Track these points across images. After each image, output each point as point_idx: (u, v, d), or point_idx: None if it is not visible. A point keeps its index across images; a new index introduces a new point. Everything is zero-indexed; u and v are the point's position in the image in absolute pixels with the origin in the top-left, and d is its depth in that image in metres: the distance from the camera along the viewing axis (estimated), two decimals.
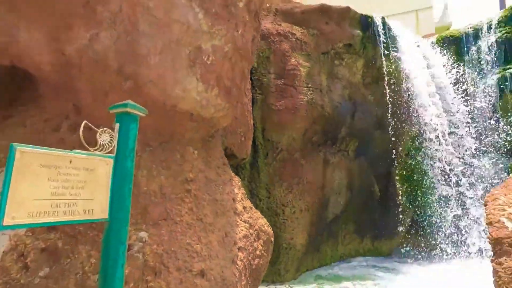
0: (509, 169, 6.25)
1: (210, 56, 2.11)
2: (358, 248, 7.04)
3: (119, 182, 1.47)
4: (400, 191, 7.12)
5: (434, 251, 6.14)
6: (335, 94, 6.46)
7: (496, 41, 7.95)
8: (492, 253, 1.68)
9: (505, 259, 1.57)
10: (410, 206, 6.85)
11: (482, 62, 7.90)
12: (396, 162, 7.38)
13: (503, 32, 7.85)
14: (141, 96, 1.92)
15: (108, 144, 1.49)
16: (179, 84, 2.07)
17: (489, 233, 1.72)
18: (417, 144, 7.31)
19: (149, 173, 1.99)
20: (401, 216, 6.92)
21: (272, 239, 2.83)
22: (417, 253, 6.47)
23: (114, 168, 1.47)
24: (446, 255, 5.81)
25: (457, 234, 5.85)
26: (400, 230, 6.67)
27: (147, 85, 1.96)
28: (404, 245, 6.79)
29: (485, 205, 1.90)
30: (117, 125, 1.53)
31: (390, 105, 7.23)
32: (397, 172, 7.31)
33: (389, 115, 7.15)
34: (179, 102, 2.11)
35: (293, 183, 5.84)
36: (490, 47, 7.97)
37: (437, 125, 6.65)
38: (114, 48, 1.82)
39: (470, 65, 7.99)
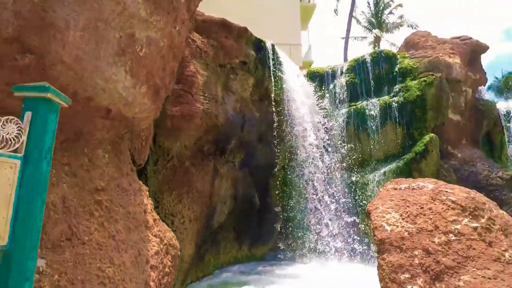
0: (353, 183, 8.10)
1: (143, 48, 1.81)
2: (237, 255, 7.39)
3: (28, 193, 1.04)
4: (276, 201, 7.99)
5: (302, 254, 7.19)
6: (228, 106, 6.72)
7: (345, 82, 10.23)
8: (377, 252, 2.18)
9: (387, 255, 2.08)
10: (284, 215, 7.79)
11: (336, 98, 9.99)
12: (273, 174, 8.28)
13: (349, 77, 10.21)
14: (44, 79, 1.47)
15: (14, 139, 1.04)
16: (102, 73, 1.65)
17: (375, 235, 2.23)
18: (292, 159, 8.43)
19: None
20: (274, 224, 7.77)
21: (179, 253, 2.62)
22: (287, 256, 7.39)
23: (21, 174, 1.04)
24: (310, 258, 6.92)
25: (321, 240, 7.06)
26: (272, 236, 7.48)
27: (57, 67, 1.49)
28: (276, 249, 7.63)
29: (369, 213, 2.46)
30: (28, 114, 1.10)
31: (275, 122, 8.13)
32: (274, 183, 8.19)
33: (273, 131, 8.02)
34: (97, 95, 1.68)
35: (183, 191, 5.63)
36: (341, 87, 10.18)
37: (311, 145, 7.91)
38: (14, 7, 1.32)
39: (330, 98, 9.97)
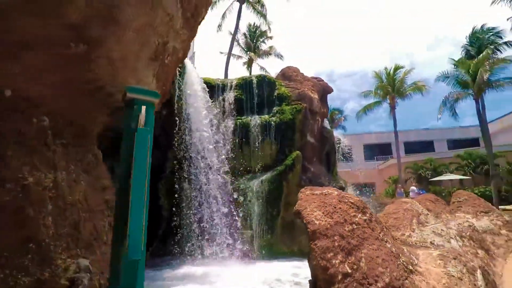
0: (235, 189, 9.01)
1: (169, 56, 1.81)
2: None
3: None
4: (164, 204, 7.90)
5: (187, 255, 7.38)
6: None
7: (234, 97, 11.27)
8: (309, 240, 2.92)
9: (317, 241, 2.84)
10: (172, 217, 7.79)
11: (225, 110, 10.85)
12: (163, 177, 8.16)
13: (237, 93, 11.33)
14: (82, 70, 1.42)
15: None
16: (136, 74, 1.57)
17: (308, 228, 2.96)
18: (181, 163, 8.55)
19: (69, 177, 1.32)
20: (161, 226, 7.66)
21: None
22: (172, 258, 7.40)
23: None
24: (199, 259, 7.22)
25: (210, 242, 7.49)
26: (163, 241, 7.35)
27: (100, 60, 1.38)
28: (161, 252, 7.51)
29: (299, 213, 3.20)
30: (143, 108, 1.14)
31: (164, 126, 8.05)
32: (163, 187, 8.08)
33: (166, 134, 7.93)
34: (121, 93, 1.57)
35: None
36: (230, 101, 11.15)
37: (202, 151, 8.28)
38: None
39: (220, 109, 10.71)
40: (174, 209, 7.83)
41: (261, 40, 27.57)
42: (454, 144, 33.98)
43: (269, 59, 28.06)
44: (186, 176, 8.39)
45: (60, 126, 1.48)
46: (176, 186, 8.22)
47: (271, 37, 27.92)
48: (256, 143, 10.13)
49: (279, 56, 27.48)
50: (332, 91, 14.14)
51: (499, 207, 15.73)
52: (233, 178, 9.27)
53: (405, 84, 25.32)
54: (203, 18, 2.34)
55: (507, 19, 18.13)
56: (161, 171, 8.04)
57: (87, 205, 1.45)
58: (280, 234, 9.08)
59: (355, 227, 2.96)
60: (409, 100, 25.87)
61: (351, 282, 2.57)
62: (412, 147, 34.52)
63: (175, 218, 7.79)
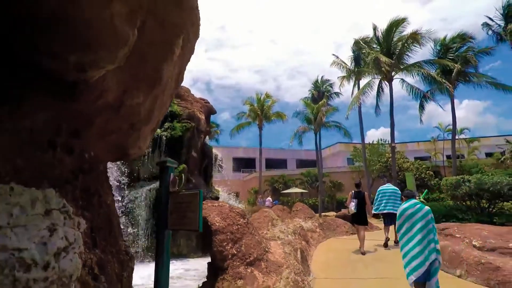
0: (126, 196, 9.52)
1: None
2: None
3: None
4: None
5: None
6: None
7: None
8: (212, 235, 4.56)
9: (217, 236, 4.52)
10: None
11: None
12: None
13: None
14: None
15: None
16: (146, 141, 2.78)
17: (211, 227, 4.56)
18: None
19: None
20: None
21: None
22: None
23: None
24: None
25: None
26: None
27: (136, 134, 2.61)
28: None
29: (206, 218, 4.73)
30: (171, 173, 2.53)
31: None
32: None
33: None
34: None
35: None
36: None
37: None
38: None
39: None
40: None
41: None
42: (301, 163, 42.73)
43: None
44: None
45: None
46: None
47: None
48: (147, 154, 10.90)
49: None
50: (216, 112, 16.26)
51: (322, 214, 21.66)
52: (125, 186, 9.76)
53: (271, 110, 30.72)
54: None
55: (338, 77, 25.67)
56: None
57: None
58: None
59: (239, 227, 4.85)
60: (273, 123, 31.47)
61: (236, 258, 4.41)
62: (271, 163, 41.11)
63: None
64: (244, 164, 41.26)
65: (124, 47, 1.73)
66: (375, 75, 20.13)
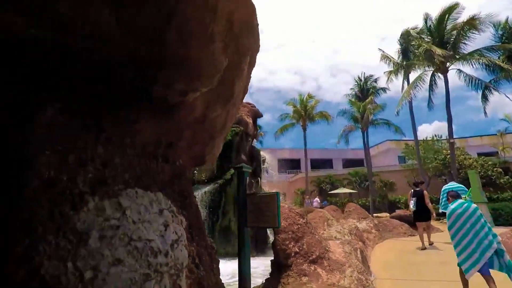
0: None
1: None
2: None
3: None
4: None
5: None
6: None
7: None
8: (275, 234, 4.78)
9: (280, 235, 4.83)
10: None
11: None
12: None
13: None
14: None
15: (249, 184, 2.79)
16: (219, 148, 3.23)
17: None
18: None
19: None
20: None
21: None
22: None
23: None
24: None
25: None
26: None
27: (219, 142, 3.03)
28: None
29: None
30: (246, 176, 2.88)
31: None
32: None
33: None
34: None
35: None
36: None
37: None
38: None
39: None
40: None
41: None
42: (347, 162, 41.51)
43: None
44: None
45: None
46: None
47: None
48: None
49: None
50: (262, 116, 16.69)
51: (374, 214, 20.89)
52: None
53: (314, 111, 30.44)
54: None
55: (384, 72, 24.56)
56: None
57: None
58: (218, 237, 10.77)
59: (299, 226, 5.07)
60: (316, 123, 31.13)
61: (299, 256, 4.64)
62: (316, 163, 40.58)
63: None
64: (289, 165, 41.31)
65: (219, 74, 2.08)
66: (427, 67, 18.93)
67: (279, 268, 4.68)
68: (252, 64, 3.48)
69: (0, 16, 1.48)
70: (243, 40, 2.65)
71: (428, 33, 19.07)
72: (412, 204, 7.08)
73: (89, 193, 1.92)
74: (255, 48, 3.30)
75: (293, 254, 4.65)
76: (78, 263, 1.71)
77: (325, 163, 41.57)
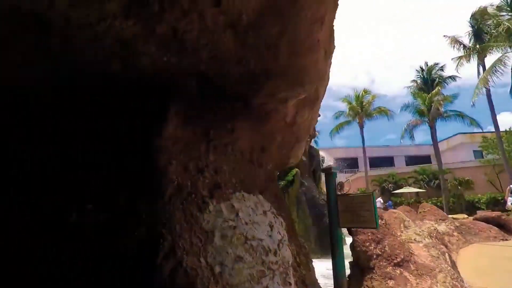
0: None
1: None
2: None
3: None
4: None
5: None
6: None
7: None
8: (354, 236, 4.85)
9: (358, 236, 4.77)
10: None
11: None
12: None
13: None
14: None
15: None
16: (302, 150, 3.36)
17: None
18: None
19: None
20: None
21: None
22: None
23: None
24: None
25: None
26: None
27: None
28: None
29: None
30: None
31: None
32: None
33: None
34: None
35: None
36: None
37: None
38: None
39: None
40: None
41: None
42: (410, 160, 38.46)
43: None
44: None
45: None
46: None
47: None
48: None
49: None
50: (319, 115, 16.42)
51: (449, 215, 18.96)
52: None
53: (371, 107, 28.88)
54: None
55: (452, 59, 22.16)
56: None
57: None
58: None
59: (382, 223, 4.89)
60: (374, 119, 29.48)
61: (382, 259, 4.48)
62: (375, 162, 38.40)
63: None
64: (346, 164, 39.81)
65: (321, 80, 2.16)
66: (509, 48, 16.60)
67: (361, 270, 4.58)
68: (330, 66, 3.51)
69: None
70: (331, 43, 2.70)
71: (508, 9, 16.72)
72: (510, 201, 6.32)
73: (208, 196, 2.14)
74: (333, 49, 3.33)
75: (374, 257, 4.51)
76: (208, 259, 1.93)
77: (386, 161, 39.08)
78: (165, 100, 2.34)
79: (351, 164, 39.20)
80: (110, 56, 2.11)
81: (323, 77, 2.15)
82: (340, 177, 37.28)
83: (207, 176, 2.22)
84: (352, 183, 34.93)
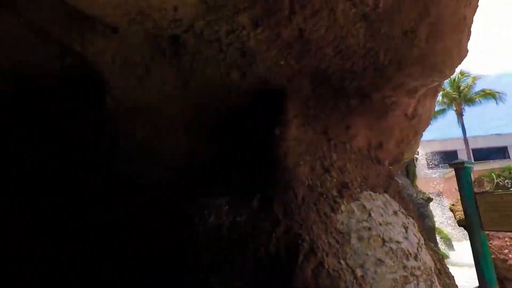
0: None
1: None
2: None
3: None
4: None
5: None
6: None
7: None
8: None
9: (492, 241, 4.10)
10: None
11: None
12: None
13: None
14: None
15: None
16: None
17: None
18: None
19: None
20: None
21: None
22: None
23: None
24: None
25: None
26: None
27: None
28: None
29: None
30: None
31: None
32: None
33: None
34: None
35: None
36: None
37: None
38: None
39: None
40: None
41: None
42: None
43: None
44: None
45: None
46: None
47: None
48: None
49: None
50: None
51: None
52: None
53: (472, 90, 24.77)
54: None
55: None
56: None
57: None
58: None
59: None
60: (477, 106, 25.20)
61: None
62: (480, 154, 32.72)
63: None
64: (441, 158, 35.02)
65: (461, 63, 1.90)
66: None
67: (499, 282, 3.89)
68: None
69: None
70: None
71: None
72: None
73: (339, 196, 2.09)
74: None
75: None
76: (348, 261, 1.86)
77: (496, 152, 32.86)
78: (281, 102, 2.39)
79: (450, 158, 34.23)
80: (230, 66, 2.27)
81: (463, 59, 1.88)
82: (434, 173, 32.90)
83: (334, 176, 2.18)
84: (450, 180, 30.42)
